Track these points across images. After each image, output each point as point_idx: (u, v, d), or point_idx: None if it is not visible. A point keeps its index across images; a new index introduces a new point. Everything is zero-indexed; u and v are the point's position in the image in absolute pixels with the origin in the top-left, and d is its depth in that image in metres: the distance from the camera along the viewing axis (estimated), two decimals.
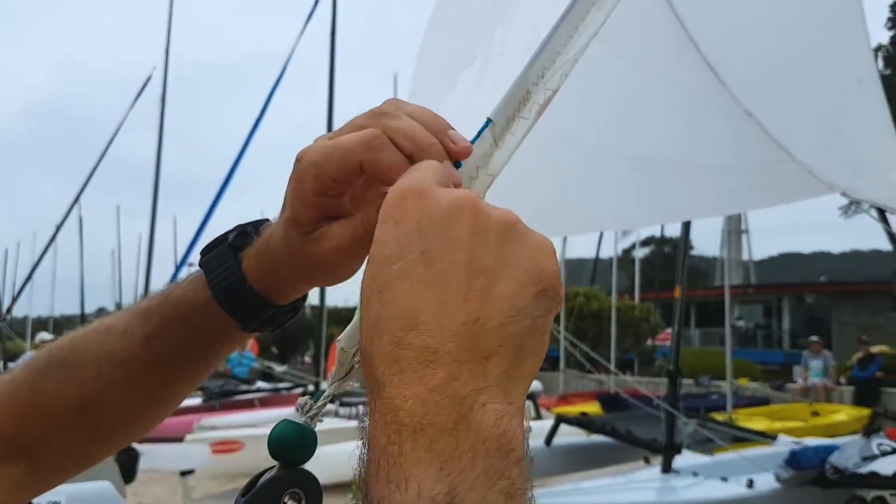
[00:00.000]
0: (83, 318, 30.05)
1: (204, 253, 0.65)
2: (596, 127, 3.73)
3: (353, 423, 9.38)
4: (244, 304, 0.63)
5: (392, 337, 0.42)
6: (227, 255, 0.63)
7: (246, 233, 0.64)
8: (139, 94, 15.36)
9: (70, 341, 0.67)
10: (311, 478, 0.60)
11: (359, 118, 0.57)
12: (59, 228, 16.45)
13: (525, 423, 0.43)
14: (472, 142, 0.60)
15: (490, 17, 1.21)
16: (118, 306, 34.05)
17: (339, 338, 0.62)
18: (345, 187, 0.57)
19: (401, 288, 0.43)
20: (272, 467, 0.60)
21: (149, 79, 16.04)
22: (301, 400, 0.64)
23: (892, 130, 4.22)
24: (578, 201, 4.37)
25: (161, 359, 0.65)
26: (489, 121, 0.62)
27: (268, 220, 0.66)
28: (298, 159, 0.57)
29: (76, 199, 13.89)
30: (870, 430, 6.32)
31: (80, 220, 33.17)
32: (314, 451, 0.60)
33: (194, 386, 0.72)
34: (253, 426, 9.63)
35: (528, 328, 0.43)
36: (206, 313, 0.63)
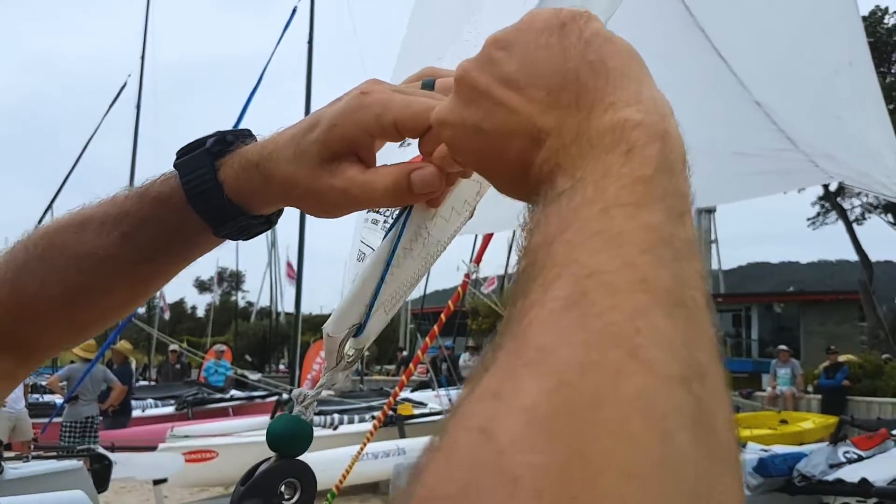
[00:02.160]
0: None
1: (180, 155, 0.65)
2: None
3: (328, 432, 9.37)
4: (219, 211, 0.63)
5: (499, 77, 0.48)
6: (203, 159, 0.63)
7: (225, 141, 0.64)
8: (114, 101, 15.26)
9: (45, 236, 0.67)
10: (306, 468, 0.63)
11: (431, 93, 0.61)
12: None
13: None
14: None
15: (461, 16, 1.24)
16: None
17: (325, 325, 0.64)
18: (392, 139, 0.60)
19: (521, 44, 0.48)
20: (269, 458, 0.64)
21: (124, 85, 15.96)
22: (296, 391, 0.68)
23: (884, 115, 4.19)
24: None
25: (139, 257, 0.65)
26: None
27: (250, 130, 0.66)
28: (364, 92, 0.58)
29: (50, 205, 13.76)
30: (836, 437, 6.44)
31: None
32: (310, 443, 0.64)
33: (171, 278, 0.72)
34: (227, 435, 9.58)
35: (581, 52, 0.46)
36: (181, 215, 0.63)
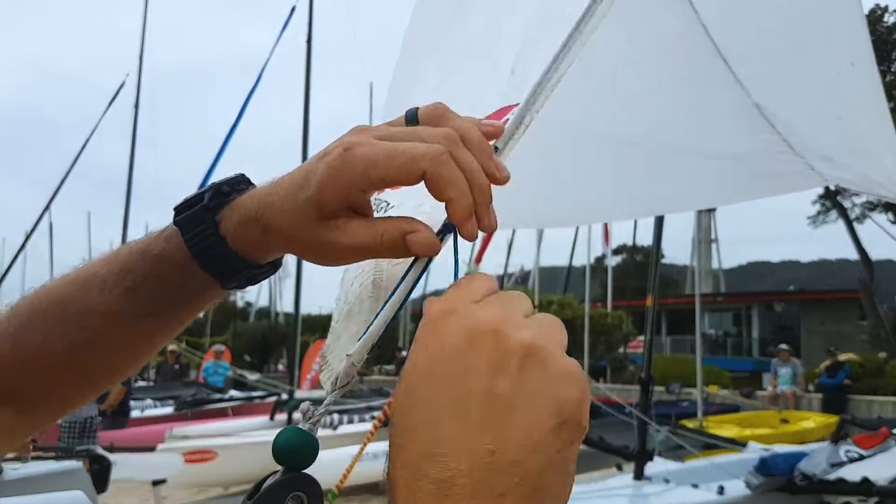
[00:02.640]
0: None
1: (178, 211, 0.65)
2: (602, 115, 3.65)
3: (328, 433, 9.37)
4: (224, 265, 0.63)
5: (412, 465, 0.41)
6: (204, 216, 0.63)
7: (222, 193, 0.64)
8: (112, 101, 15.24)
9: (48, 294, 0.67)
10: (313, 482, 0.62)
11: (417, 129, 0.59)
12: (29, 236, 16.25)
13: None
14: None
15: (454, 16, 1.24)
16: None
17: (351, 352, 0.65)
18: (387, 187, 0.59)
19: (423, 415, 0.42)
20: (276, 472, 0.63)
21: (122, 86, 15.94)
22: (303, 405, 0.67)
23: (886, 115, 4.18)
24: (571, 191, 4.29)
25: (143, 312, 0.65)
26: (496, 148, 0.67)
27: (244, 175, 0.66)
28: (347, 148, 0.56)
29: (47, 206, 13.74)
30: (837, 437, 6.43)
31: (51, 226, 32.76)
32: (316, 456, 0.63)
33: (176, 333, 0.71)
34: (226, 435, 9.58)
35: (546, 465, 0.41)
36: (185, 272, 0.63)
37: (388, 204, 0.68)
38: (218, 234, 0.62)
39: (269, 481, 0.62)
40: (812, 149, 4.04)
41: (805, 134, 4.03)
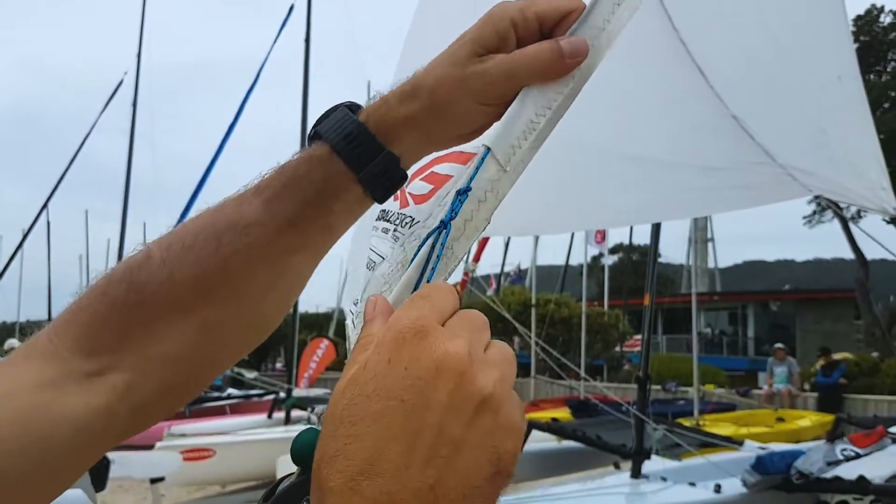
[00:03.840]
0: None
1: (317, 123, 0.68)
2: (583, 125, 3.68)
3: None
4: (363, 151, 0.65)
5: (348, 476, 0.41)
6: (342, 111, 0.67)
7: (355, 104, 0.69)
8: (110, 99, 15.24)
9: (193, 221, 0.65)
10: None
11: None
12: (27, 234, 16.24)
13: None
14: (476, 170, 0.67)
15: (467, 16, 1.25)
16: None
17: (354, 342, 0.67)
18: (529, 31, 0.66)
19: (373, 429, 0.42)
20: (292, 473, 0.65)
21: (120, 83, 15.92)
22: (318, 408, 0.69)
23: (870, 128, 4.22)
24: (562, 201, 4.31)
25: (283, 220, 0.64)
26: (487, 149, 0.68)
27: (357, 103, 0.70)
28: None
29: (45, 205, 13.73)
30: (834, 435, 6.47)
31: (49, 224, 32.69)
32: None
33: (314, 264, 0.70)
34: (224, 433, 9.59)
35: None
36: (324, 168, 0.65)
37: (413, 219, 0.69)
38: (357, 121, 0.66)
39: (284, 483, 0.62)
40: (793, 159, 4.08)
41: (786, 145, 4.07)
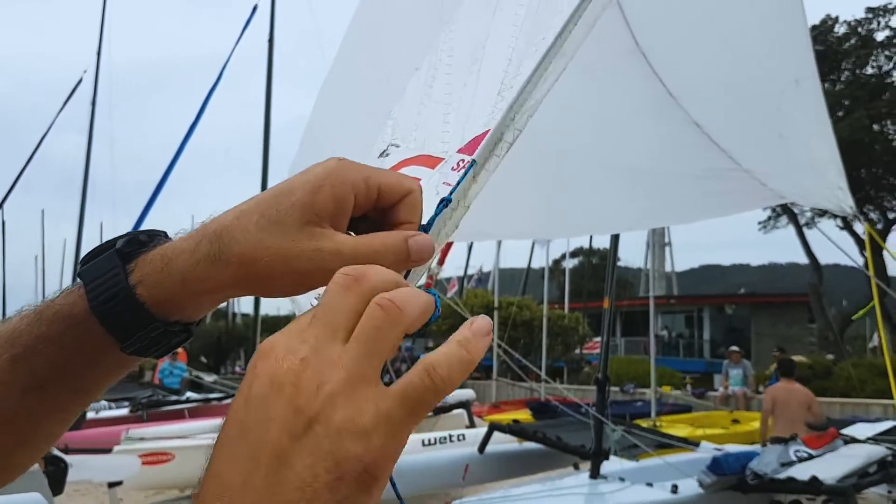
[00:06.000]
0: None
1: (85, 261, 0.58)
2: (559, 135, 3.69)
3: None
4: (127, 317, 0.55)
5: (204, 501, 0.42)
6: (112, 261, 0.56)
7: (139, 241, 0.57)
8: (69, 98, 14.99)
9: None
10: None
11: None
12: None
13: None
14: (461, 179, 0.71)
15: (434, 25, 1.27)
16: None
17: None
18: (368, 204, 0.58)
19: (222, 453, 0.42)
20: None
21: (79, 82, 15.67)
22: None
23: (828, 129, 4.30)
24: (543, 208, 4.32)
25: (28, 383, 0.56)
26: (474, 162, 0.72)
27: (165, 233, 0.60)
28: (342, 160, 0.57)
29: (1, 203, 13.45)
30: (787, 437, 6.60)
31: (3, 224, 32.01)
32: None
33: (66, 424, 0.62)
34: (183, 437, 9.48)
35: None
36: (82, 330, 0.55)
37: None
38: (126, 282, 0.55)
39: None
40: (756, 164, 4.15)
41: (747, 150, 4.14)
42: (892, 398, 4.43)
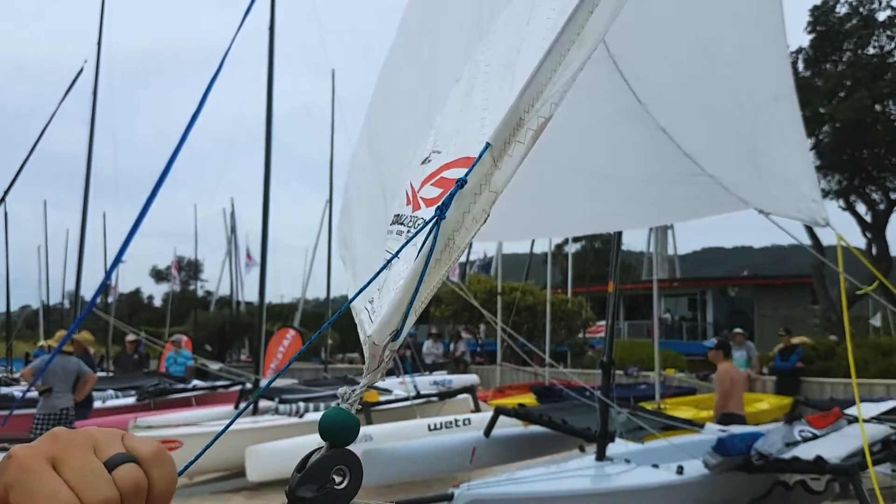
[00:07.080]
0: (8, 315, 29.10)
1: None
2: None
3: (293, 420, 9.39)
4: None
5: None
6: None
7: None
8: (70, 88, 14.95)
9: None
10: (354, 457, 0.70)
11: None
12: None
13: None
14: (475, 164, 0.73)
15: (473, 39, 1.30)
16: (44, 303, 32.58)
17: (370, 333, 0.73)
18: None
19: None
20: (321, 447, 0.72)
21: (80, 72, 15.62)
22: (341, 390, 0.75)
23: (805, 145, 4.46)
24: (517, 210, 4.43)
25: None
26: (488, 144, 0.75)
27: None
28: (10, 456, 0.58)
29: (3, 196, 13.45)
30: (791, 417, 6.65)
31: (6, 215, 31.98)
32: (357, 434, 0.72)
33: None
34: (191, 424, 9.55)
35: None
36: None
37: (425, 221, 0.74)
38: None
39: (314, 456, 0.70)
40: (723, 171, 4.27)
41: (714, 158, 4.25)
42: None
